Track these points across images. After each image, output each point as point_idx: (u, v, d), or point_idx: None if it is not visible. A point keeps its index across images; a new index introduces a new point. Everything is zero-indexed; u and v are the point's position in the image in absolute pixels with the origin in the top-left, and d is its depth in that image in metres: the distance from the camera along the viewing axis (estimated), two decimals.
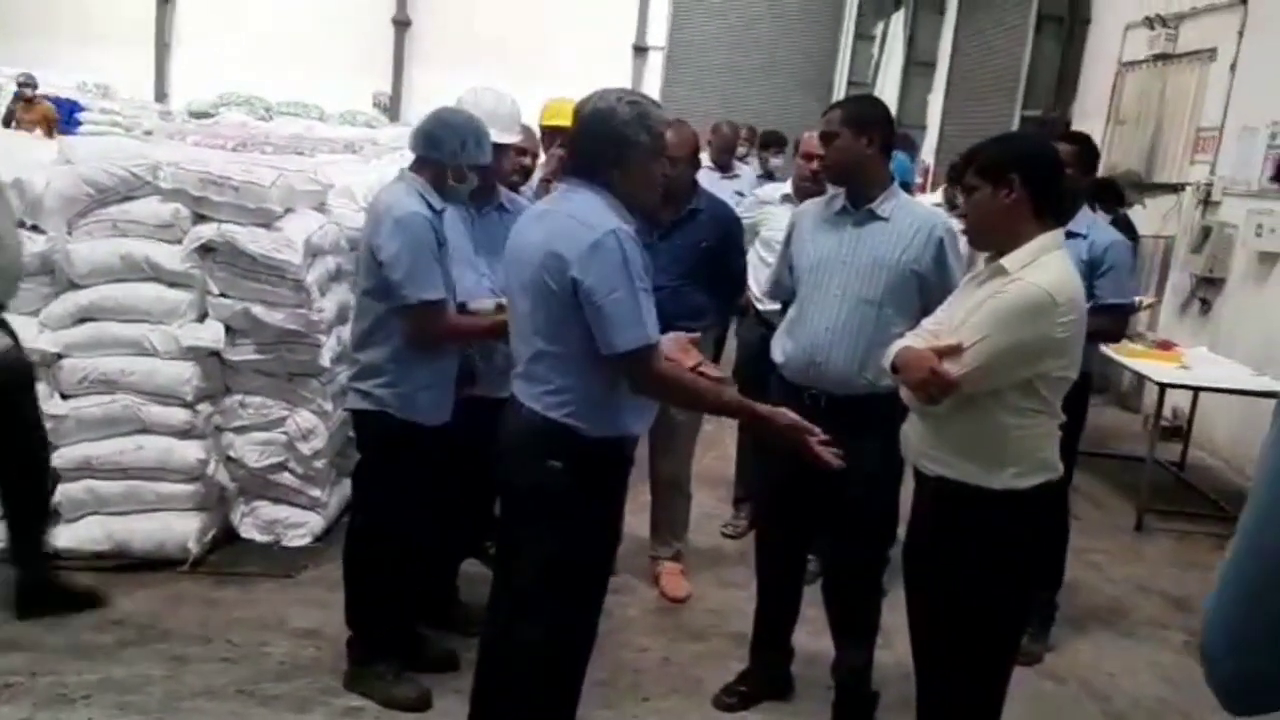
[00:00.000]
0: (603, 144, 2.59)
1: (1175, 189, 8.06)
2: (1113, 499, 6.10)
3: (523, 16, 14.27)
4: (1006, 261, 2.60)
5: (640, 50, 15.04)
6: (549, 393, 2.60)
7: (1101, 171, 8.37)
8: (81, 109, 10.49)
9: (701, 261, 4.17)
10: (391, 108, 14.64)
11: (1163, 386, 5.82)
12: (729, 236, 4.30)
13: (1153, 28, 8.76)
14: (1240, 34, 7.57)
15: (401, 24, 15.10)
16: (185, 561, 4.04)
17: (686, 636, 4.02)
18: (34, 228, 4.17)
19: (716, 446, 6.06)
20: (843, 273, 3.24)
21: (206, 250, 4.08)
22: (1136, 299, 5.81)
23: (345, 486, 4.73)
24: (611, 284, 2.48)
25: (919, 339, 2.74)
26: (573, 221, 2.55)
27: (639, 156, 2.62)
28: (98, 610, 3.74)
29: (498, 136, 3.50)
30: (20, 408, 3.61)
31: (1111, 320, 3.90)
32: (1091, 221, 3.95)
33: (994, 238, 2.65)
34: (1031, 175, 2.61)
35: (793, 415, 2.69)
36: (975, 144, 2.80)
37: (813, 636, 3.68)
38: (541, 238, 2.59)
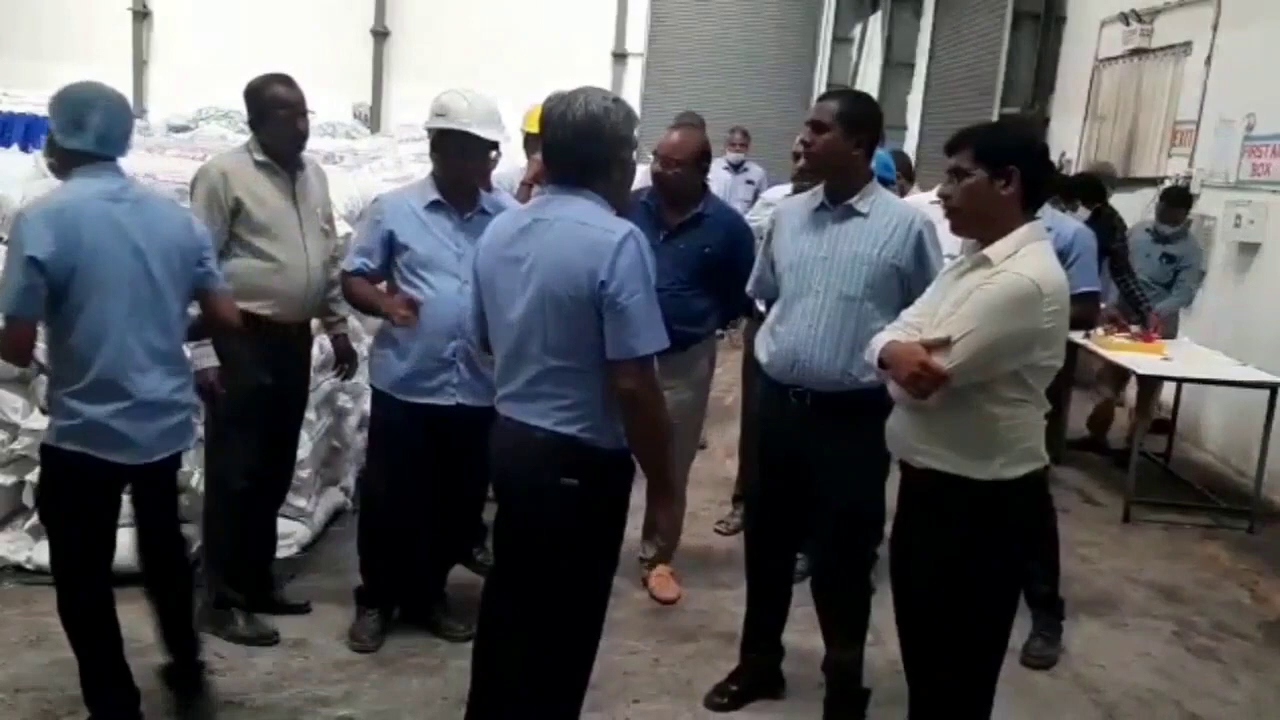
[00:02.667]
0: (603, 148, 2.57)
1: (1154, 183, 8.09)
2: (1100, 492, 6.12)
3: (500, 26, 14.24)
4: (990, 252, 2.60)
5: (619, 57, 15.02)
6: (561, 408, 2.56)
7: (1080, 167, 8.44)
8: None
9: (705, 267, 4.14)
10: (371, 119, 14.59)
11: (1144, 378, 5.85)
12: (736, 243, 4.18)
13: (1128, 23, 8.82)
14: (1214, 28, 7.62)
15: (380, 35, 15.06)
16: None
17: (676, 638, 4.02)
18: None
19: (704, 449, 6.07)
20: (824, 269, 3.24)
21: None
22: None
23: (331, 497, 4.74)
24: (634, 286, 2.47)
25: (900, 331, 2.74)
26: (588, 228, 2.51)
27: (630, 153, 2.63)
28: None
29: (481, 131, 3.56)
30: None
31: (1086, 308, 4.00)
32: (1053, 215, 4.03)
33: (981, 226, 2.64)
34: (1029, 168, 2.62)
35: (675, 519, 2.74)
36: (969, 127, 2.77)
37: (803, 635, 3.68)
38: (551, 248, 2.53)
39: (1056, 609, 4.15)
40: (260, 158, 3.66)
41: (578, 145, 2.56)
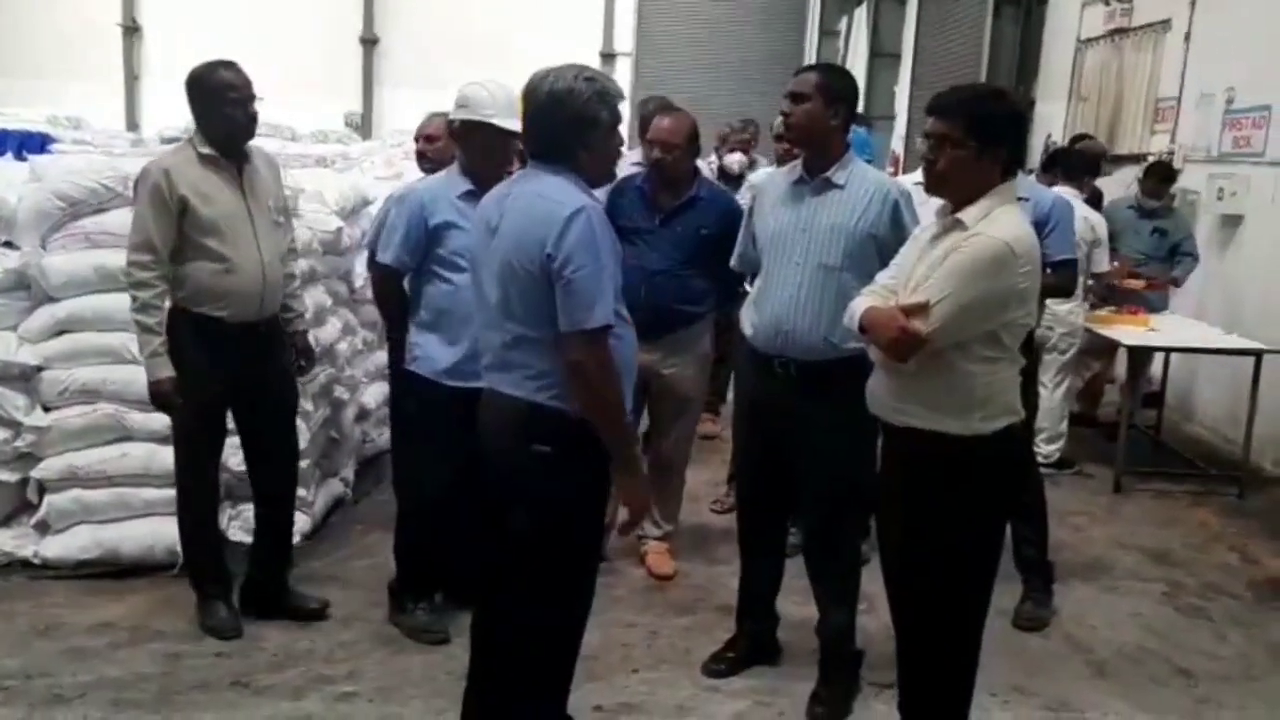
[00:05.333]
0: (566, 125, 2.60)
1: (1137, 160, 8.16)
2: (1092, 465, 6.17)
3: (489, 30, 14.34)
4: (964, 216, 2.65)
5: (608, 56, 15.13)
6: (530, 377, 2.61)
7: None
8: (54, 141, 10.49)
9: (702, 248, 4.21)
10: (363, 125, 14.69)
11: (1133, 351, 5.92)
12: (731, 223, 4.19)
13: (1108, 3, 8.90)
14: (1192, 4, 7.69)
15: (369, 42, 15.17)
16: (174, 565, 4.05)
17: (674, 611, 4.08)
18: (7, 244, 4.22)
19: (702, 428, 6.14)
20: (803, 241, 3.31)
21: None
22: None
23: (331, 487, 4.80)
24: (581, 260, 2.49)
25: (876, 294, 2.80)
26: (542, 200, 2.56)
27: (601, 134, 2.64)
28: (92, 613, 3.80)
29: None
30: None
31: (1064, 276, 4.10)
32: (1030, 185, 4.10)
33: (962, 193, 2.68)
34: (1015, 142, 2.68)
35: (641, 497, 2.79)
36: (958, 92, 2.78)
37: (798, 605, 3.74)
38: (511, 220, 2.59)
39: (1046, 573, 4.21)
40: (205, 151, 3.53)
41: (543, 122, 2.62)
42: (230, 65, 3.58)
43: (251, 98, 3.58)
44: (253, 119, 3.60)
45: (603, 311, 2.52)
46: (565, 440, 2.62)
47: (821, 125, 3.30)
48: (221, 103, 3.52)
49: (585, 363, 2.54)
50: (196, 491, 3.75)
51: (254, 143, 3.72)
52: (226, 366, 3.58)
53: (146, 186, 3.47)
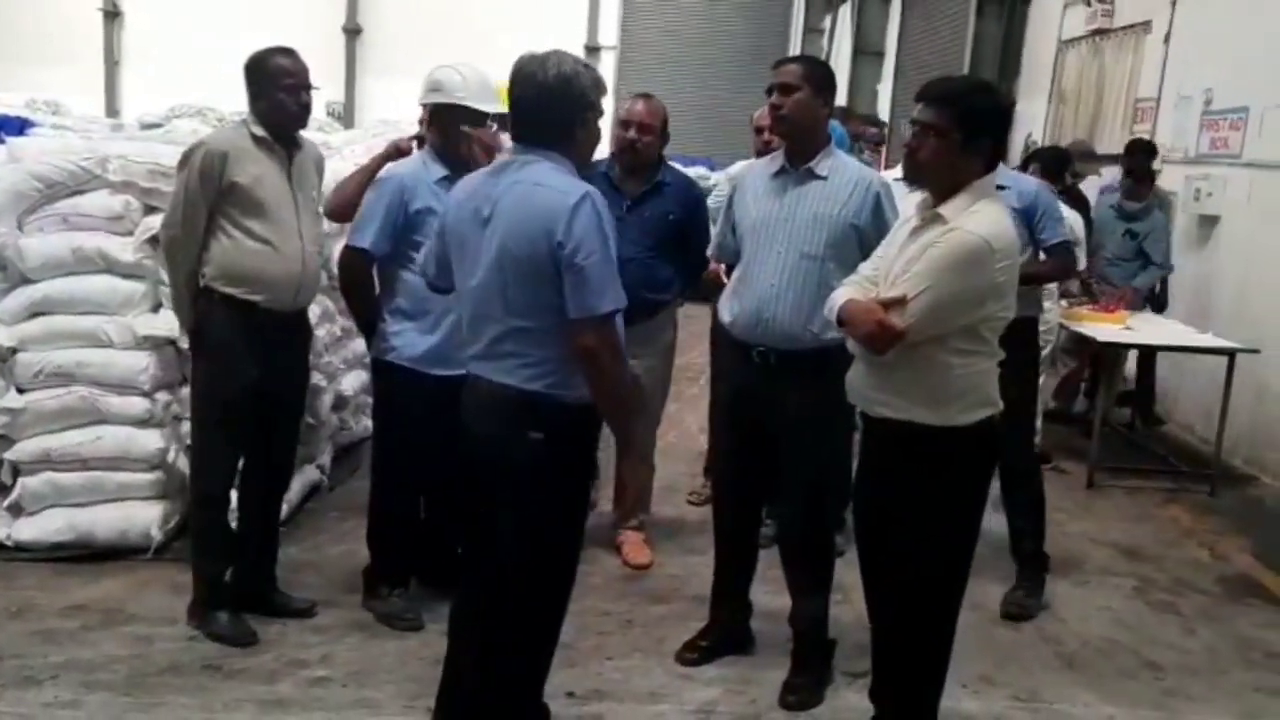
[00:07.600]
0: (570, 110, 2.64)
1: (1117, 160, 8.21)
2: (1067, 461, 6.21)
3: (472, 21, 14.31)
4: (944, 210, 2.67)
5: (592, 50, 15.12)
6: (525, 365, 2.63)
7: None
8: (32, 125, 10.41)
9: (669, 234, 4.23)
10: (345, 115, 14.63)
11: (1104, 346, 5.98)
12: (695, 210, 4.34)
13: (1090, 4, 8.97)
14: (1173, 5, 7.75)
15: (352, 32, 15.11)
16: (148, 549, 4.06)
17: (648, 600, 4.10)
18: None
19: (678, 425, 6.18)
20: (785, 230, 3.33)
21: (158, 241, 4.07)
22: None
23: (307, 474, 4.79)
24: (591, 246, 2.53)
25: (857, 286, 2.82)
26: (543, 189, 2.58)
27: (595, 117, 2.70)
28: (65, 596, 3.78)
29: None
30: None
31: (1062, 259, 4.13)
32: (1013, 176, 4.12)
33: (942, 183, 2.69)
34: (999, 136, 2.71)
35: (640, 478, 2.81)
36: (947, 82, 2.80)
37: (772, 596, 3.76)
38: (509, 210, 2.59)
39: (1041, 565, 4.26)
40: (259, 132, 3.49)
41: (547, 104, 2.63)
42: (289, 52, 3.56)
43: (306, 87, 3.54)
44: (305, 108, 3.54)
45: (613, 296, 2.57)
46: (558, 428, 2.64)
47: (812, 115, 3.33)
48: (275, 88, 3.48)
49: (597, 348, 2.57)
50: (209, 498, 3.63)
51: (307, 134, 3.70)
52: (256, 358, 3.51)
53: (201, 161, 3.42)
